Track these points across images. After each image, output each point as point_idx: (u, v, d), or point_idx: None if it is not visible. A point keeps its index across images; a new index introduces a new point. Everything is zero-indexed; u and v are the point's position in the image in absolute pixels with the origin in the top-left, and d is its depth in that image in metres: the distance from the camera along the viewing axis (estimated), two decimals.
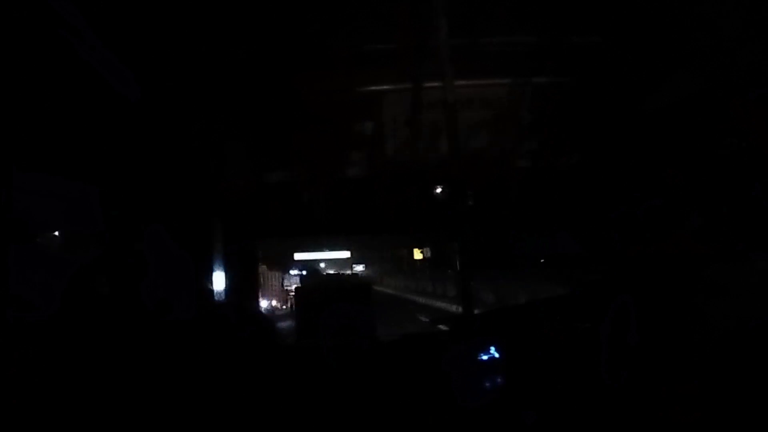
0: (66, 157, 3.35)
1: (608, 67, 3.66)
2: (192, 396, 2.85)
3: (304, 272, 11.48)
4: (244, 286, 4.43)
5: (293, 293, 4.41)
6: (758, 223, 3.07)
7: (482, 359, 3.31)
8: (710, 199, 3.47)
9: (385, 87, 3.95)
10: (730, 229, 3.26)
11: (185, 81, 3.45)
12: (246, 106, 3.86)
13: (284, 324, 4.31)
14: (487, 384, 3.23)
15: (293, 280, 11.13)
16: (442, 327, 4.69)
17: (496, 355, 3.33)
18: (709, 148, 3.59)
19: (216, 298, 3.99)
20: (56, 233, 3.87)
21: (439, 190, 4.52)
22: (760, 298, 2.35)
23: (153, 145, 3.63)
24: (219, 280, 4.07)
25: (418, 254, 14.99)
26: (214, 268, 4.00)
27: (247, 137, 4.14)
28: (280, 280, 11.75)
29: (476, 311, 3.96)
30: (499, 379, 3.25)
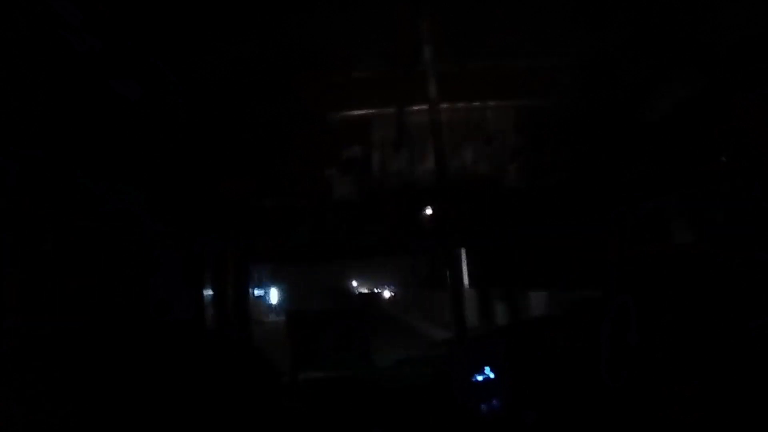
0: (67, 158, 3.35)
1: (607, 76, 3.68)
2: (191, 398, 2.84)
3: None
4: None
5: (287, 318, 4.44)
6: (758, 223, 3.06)
7: (477, 380, 3.27)
8: (710, 199, 3.46)
9: (374, 111, 4.03)
10: (730, 230, 3.25)
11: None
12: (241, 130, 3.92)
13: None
14: (483, 406, 3.20)
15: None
16: (439, 349, 4.72)
17: (492, 375, 3.29)
18: (709, 149, 3.58)
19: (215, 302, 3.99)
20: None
21: (429, 211, 4.59)
22: (761, 298, 2.34)
23: (156, 147, 3.64)
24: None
25: None
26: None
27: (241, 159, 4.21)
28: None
29: (470, 331, 3.95)
30: (495, 401, 3.21)
